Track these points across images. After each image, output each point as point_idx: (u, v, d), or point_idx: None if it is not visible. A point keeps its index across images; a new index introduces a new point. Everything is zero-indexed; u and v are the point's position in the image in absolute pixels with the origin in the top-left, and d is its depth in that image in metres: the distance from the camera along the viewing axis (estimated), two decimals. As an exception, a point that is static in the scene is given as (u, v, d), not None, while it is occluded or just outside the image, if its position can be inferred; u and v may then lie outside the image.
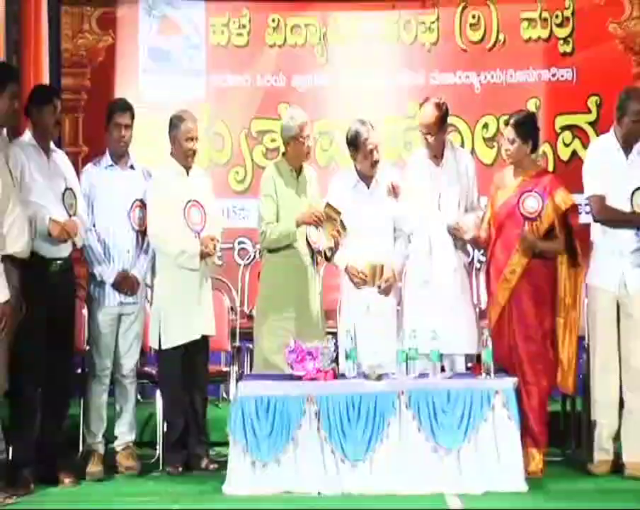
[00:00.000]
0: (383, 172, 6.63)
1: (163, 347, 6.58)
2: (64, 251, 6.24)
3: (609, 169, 6.43)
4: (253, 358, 6.89)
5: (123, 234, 6.58)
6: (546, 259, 6.34)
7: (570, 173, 8.05)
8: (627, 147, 6.43)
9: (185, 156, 6.65)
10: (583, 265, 6.38)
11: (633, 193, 6.29)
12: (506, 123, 6.48)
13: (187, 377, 6.63)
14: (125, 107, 6.72)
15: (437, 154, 6.61)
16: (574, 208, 6.40)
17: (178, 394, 6.64)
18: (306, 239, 6.53)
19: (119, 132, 6.61)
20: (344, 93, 9.20)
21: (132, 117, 6.69)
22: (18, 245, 5.77)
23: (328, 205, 6.40)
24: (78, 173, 6.67)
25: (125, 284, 6.53)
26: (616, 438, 6.38)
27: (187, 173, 6.70)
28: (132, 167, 6.73)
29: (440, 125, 6.56)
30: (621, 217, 6.34)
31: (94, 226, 6.52)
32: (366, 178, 6.59)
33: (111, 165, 6.66)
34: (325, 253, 6.59)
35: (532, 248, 6.25)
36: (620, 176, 6.37)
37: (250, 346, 7.29)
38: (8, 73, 6.21)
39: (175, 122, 6.68)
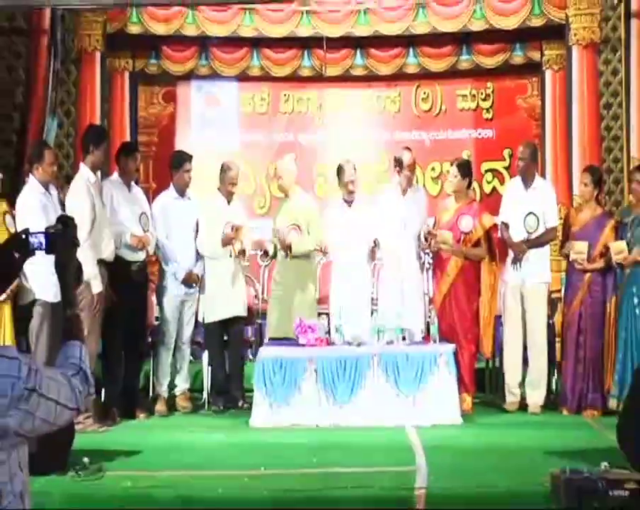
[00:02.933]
0: (362, 199, 6.62)
1: (206, 321, 6.63)
2: (141, 256, 6.27)
3: (513, 202, 6.52)
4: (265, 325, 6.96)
5: (187, 244, 6.53)
6: (474, 261, 6.34)
7: (491, 202, 8.03)
8: (526, 184, 6.45)
9: (226, 194, 6.66)
10: (500, 265, 6.40)
11: (525, 217, 6.31)
12: (451, 164, 6.51)
13: (226, 342, 6.61)
14: (191, 158, 6.69)
15: (405, 189, 6.61)
16: (494, 226, 6.43)
17: (218, 355, 6.62)
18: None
19: (188, 175, 6.59)
20: (335, 146, 9.17)
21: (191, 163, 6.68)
22: (106, 253, 5.82)
23: None
24: (149, 201, 6.67)
25: (190, 280, 6.50)
26: (521, 385, 6.39)
27: (229, 203, 6.68)
28: (189, 198, 6.70)
29: (414, 167, 6.65)
30: (506, 240, 6.44)
31: (167, 238, 6.49)
32: (347, 202, 6.57)
33: (176, 197, 6.62)
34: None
35: (460, 255, 6.26)
36: (520, 206, 6.41)
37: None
38: (102, 133, 6.34)
39: (224, 169, 6.69)
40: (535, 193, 6.46)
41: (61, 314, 2.13)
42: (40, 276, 5.12)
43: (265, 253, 6.94)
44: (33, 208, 5.46)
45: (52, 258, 2.11)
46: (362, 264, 6.54)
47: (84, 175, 5.90)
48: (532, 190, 6.46)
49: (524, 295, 6.36)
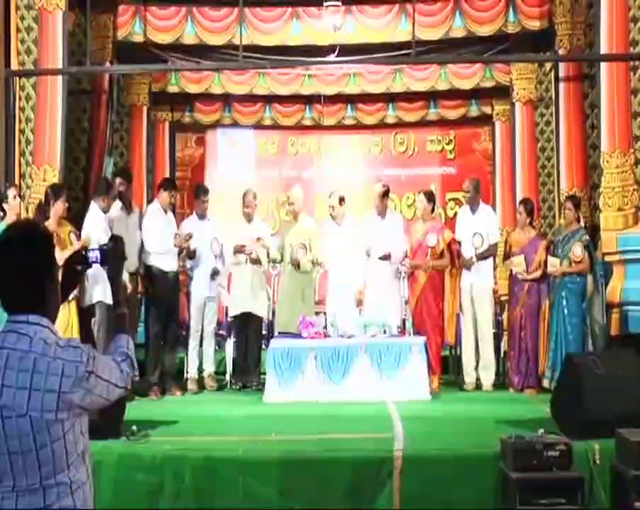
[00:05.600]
0: (350, 223, 6.61)
1: (230, 315, 6.62)
2: (174, 266, 6.23)
3: (463, 224, 6.53)
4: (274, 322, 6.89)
5: (208, 255, 6.47)
6: (439, 270, 6.34)
7: (454, 224, 8.03)
8: (473, 210, 6.51)
9: (245, 215, 6.63)
10: (459, 272, 6.38)
11: (472, 236, 6.35)
12: (419, 193, 6.59)
13: (246, 334, 6.54)
14: (207, 191, 6.67)
15: (382, 213, 6.61)
16: (454, 241, 6.41)
17: (240, 343, 6.57)
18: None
19: (206, 205, 6.57)
20: (331, 181, 9.18)
21: (208, 195, 6.65)
22: (132, 267, 5.86)
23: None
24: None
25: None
26: (476, 369, 6.36)
27: (249, 222, 6.63)
28: (209, 220, 6.64)
29: (384, 195, 6.59)
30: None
31: None
32: (336, 223, 6.55)
33: (197, 220, 6.58)
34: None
35: (428, 269, 6.26)
36: (468, 227, 6.43)
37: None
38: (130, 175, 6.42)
39: (243, 195, 6.66)
40: (480, 217, 6.48)
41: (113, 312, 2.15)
42: (100, 283, 5.13)
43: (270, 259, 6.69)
44: (98, 228, 5.52)
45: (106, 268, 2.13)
46: (351, 274, 6.50)
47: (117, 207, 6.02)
48: (478, 215, 6.49)
49: (474, 298, 6.36)
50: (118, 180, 6.15)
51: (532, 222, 6.46)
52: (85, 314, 5.47)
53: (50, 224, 5.19)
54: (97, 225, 5.60)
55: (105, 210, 5.75)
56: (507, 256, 6.42)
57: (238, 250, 6.42)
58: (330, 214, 6.56)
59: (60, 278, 1.96)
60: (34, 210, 5.61)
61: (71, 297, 4.92)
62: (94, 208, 5.74)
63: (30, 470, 1.76)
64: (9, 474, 1.76)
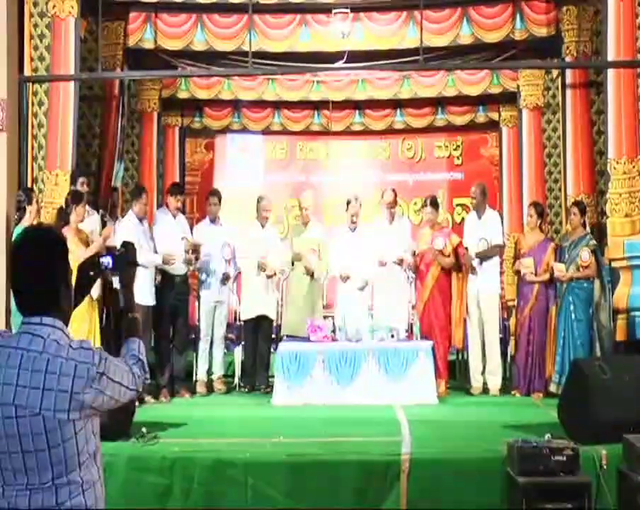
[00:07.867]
0: (363, 227, 6.62)
1: (242, 318, 6.63)
2: (182, 271, 6.22)
3: (469, 230, 6.53)
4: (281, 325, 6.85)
5: (219, 259, 6.48)
6: (446, 273, 6.31)
7: (460, 229, 8.02)
8: (479, 215, 6.50)
9: (261, 219, 6.62)
10: (466, 276, 6.36)
11: (478, 241, 6.35)
12: (425, 204, 6.54)
13: (257, 337, 6.53)
14: (217, 193, 6.70)
15: (391, 218, 6.60)
16: (460, 244, 6.40)
17: (250, 346, 6.55)
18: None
19: (215, 207, 6.60)
20: (339, 186, 9.21)
21: (220, 199, 6.66)
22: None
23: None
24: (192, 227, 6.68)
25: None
26: (482, 373, 6.35)
27: (263, 227, 6.64)
28: (221, 225, 6.68)
29: (395, 201, 6.58)
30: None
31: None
32: (351, 229, 6.57)
33: (209, 224, 6.62)
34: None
35: (439, 262, 6.24)
36: (474, 232, 6.43)
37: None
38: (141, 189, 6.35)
39: (259, 199, 6.67)
40: (486, 221, 6.48)
41: (126, 317, 2.17)
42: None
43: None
44: (130, 233, 5.56)
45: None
46: (360, 278, 6.50)
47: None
48: (484, 220, 6.49)
49: (480, 303, 6.34)
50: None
51: (542, 224, 6.45)
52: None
53: (70, 229, 5.26)
54: (130, 229, 5.74)
55: (139, 215, 5.92)
56: (516, 258, 6.40)
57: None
58: (352, 221, 6.54)
59: (74, 282, 1.98)
60: (55, 215, 5.68)
61: (95, 295, 4.92)
62: (129, 214, 5.89)
63: (43, 469, 1.78)
64: (23, 472, 1.79)
